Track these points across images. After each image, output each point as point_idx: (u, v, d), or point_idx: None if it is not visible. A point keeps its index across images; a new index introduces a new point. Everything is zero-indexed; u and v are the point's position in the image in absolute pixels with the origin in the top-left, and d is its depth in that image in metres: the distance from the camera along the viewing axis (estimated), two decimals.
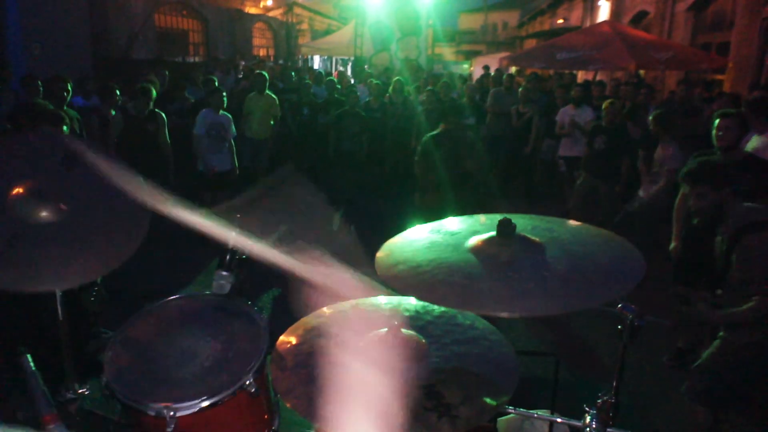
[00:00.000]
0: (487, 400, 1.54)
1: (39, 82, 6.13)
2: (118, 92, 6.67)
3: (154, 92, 6.33)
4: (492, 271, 1.52)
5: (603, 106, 6.57)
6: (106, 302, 4.43)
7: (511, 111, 8.61)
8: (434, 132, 5.22)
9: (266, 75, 8.21)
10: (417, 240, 1.72)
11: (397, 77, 9.92)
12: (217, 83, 8.23)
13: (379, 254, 1.67)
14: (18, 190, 1.77)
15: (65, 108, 5.75)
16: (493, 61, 19.35)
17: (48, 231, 1.74)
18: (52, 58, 10.36)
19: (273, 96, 8.05)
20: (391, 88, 9.25)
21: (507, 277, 1.50)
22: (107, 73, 10.70)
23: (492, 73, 12.05)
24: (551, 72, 13.74)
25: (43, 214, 1.77)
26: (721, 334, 2.94)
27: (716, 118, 4.04)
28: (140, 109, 6.22)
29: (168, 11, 16.08)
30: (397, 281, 1.57)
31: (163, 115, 6.42)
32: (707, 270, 3.32)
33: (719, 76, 11.28)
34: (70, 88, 5.75)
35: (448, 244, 1.65)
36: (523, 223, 1.67)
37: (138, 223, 1.86)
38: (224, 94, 6.66)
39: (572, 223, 1.75)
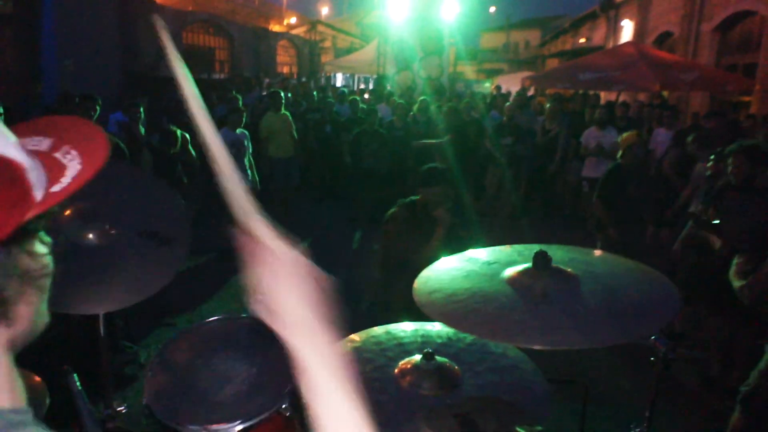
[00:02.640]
0: (521, 429, 1.55)
1: (77, 99, 6.34)
2: (142, 110, 6.83)
3: (180, 134, 6.35)
4: (526, 302, 1.55)
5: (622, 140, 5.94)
6: (128, 316, 4.52)
7: (536, 128, 8.61)
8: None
9: (282, 93, 8.23)
10: (455, 268, 1.75)
11: (423, 96, 9.99)
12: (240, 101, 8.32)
13: (417, 281, 1.71)
14: (70, 210, 1.83)
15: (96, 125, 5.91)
16: (515, 80, 19.40)
17: (95, 253, 1.80)
18: (84, 73, 10.65)
19: (287, 114, 8.06)
20: (416, 107, 9.31)
21: (540, 310, 1.52)
22: (136, 90, 10.96)
23: (504, 93, 12.10)
24: (571, 92, 13.73)
25: (91, 236, 1.83)
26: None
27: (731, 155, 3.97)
28: (168, 144, 6.28)
29: (195, 29, 16.45)
30: (432, 308, 1.60)
31: (188, 135, 6.47)
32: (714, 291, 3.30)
33: (746, 98, 11.16)
34: (98, 107, 5.91)
35: (485, 273, 1.67)
36: (560, 254, 1.69)
37: (177, 252, 1.90)
38: (244, 113, 6.74)
39: (608, 255, 1.77)
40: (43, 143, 0.60)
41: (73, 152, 0.60)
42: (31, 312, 0.63)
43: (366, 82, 23.98)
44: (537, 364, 1.79)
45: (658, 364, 1.64)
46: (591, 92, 13.56)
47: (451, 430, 1.52)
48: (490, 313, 1.52)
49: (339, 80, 25.29)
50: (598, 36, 21.50)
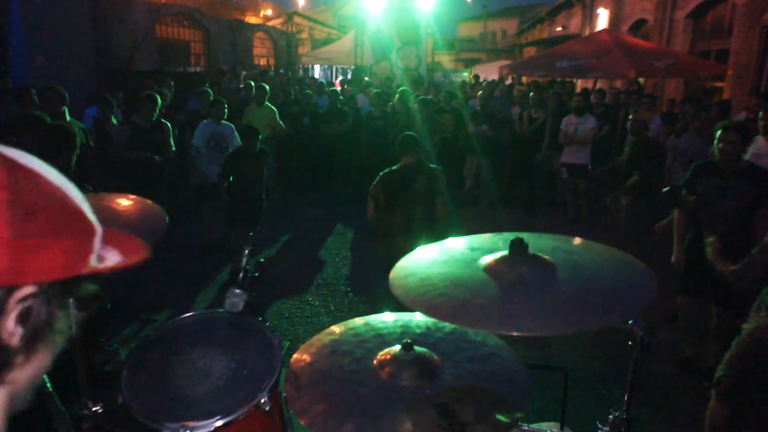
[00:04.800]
0: (501, 417, 1.56)
1: (33, 92, 6.24)
2: (114, 104, 6.74)
3: (159, 100, 6.34)
4: (501, 288, 1.54)
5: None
6: (107, 314, 4.45)
7: (523, 116, 8.57)
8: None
9: (266, 87, 8.24)
10: (434, 256, 1.75)
11: (402, 87, 9.97)
12: (220, 90, 8.23)
13: (398, 264, 1.71)
14: None
15: (71, 119, 5.80)
16: (493, 69, 19.43)
17: None
18: (55, 70, 10.42)
19: (272, 107, 8.08)
20: (396, 98, 9.29)
21: (516, 296, 1.51)
22: (110, 85, 10.76)
23: (482, 82, 12.13)
24: (548, 80, 13.80)
25: None
26: (744, 326, 2.89)
27: (719, 129, 4.04)
28: (147, 117, 6.21)
29: (169, 22, 16.14)
30: (403, 290, 1.59)
31: (169, 124, 6.43)
32: (712, 279, 3.33)
33: (718, 84, 11.32)
34: (66, 100, 5.82)
35: (463, 260, 1.67)
36: (539, 242, 1.69)
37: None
38: (225, 104, 6.67)
39: (588, 243, 1.77)
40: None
41: (116, 250, 0.70)
42: (41, 362, 0.66)
43: (344, 74, 23.86)
44: (517, 351, 1.80)
45: (636, 347, 1.65)
46: (568, 80, 13.66)
47: (431, 420, 1.51)
48: (462, 299, 1.51)
49: (317, 72, 25.12)
50: (575, 24, 21.63)
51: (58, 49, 10.88)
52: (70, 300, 0.68)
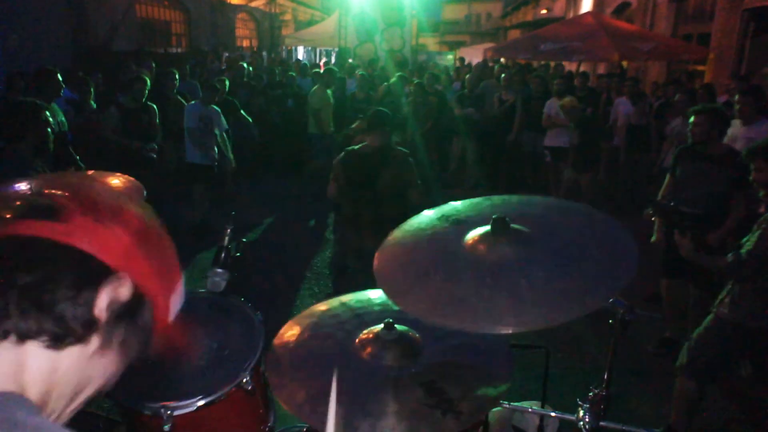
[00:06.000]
0: (487, 390, 1.55)
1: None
2: (92, 85, 6.62)
3: (149, 82, 6.24)
4: (483, 277, 1.49)
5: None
6: None
7: (494, 99, 8.61)
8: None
9: (336, 70, 8.39)
10: (423, 229, 1.73)
11: (393, 80, 9.73)
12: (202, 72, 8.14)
13: (392, 234, 1.70)
14: None
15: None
16: (478, 52, 19.37)
17: None
18: (30, 50, 10.16)
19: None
20: (385, 90, 9.22)
21: (499, 287, 1.44)
22: (88, 66, 10.53)
23: (467, 65, 12.08)
24: (541, 62, 13.80)
25: None
26: (713, 309, 3.07)
27: (691, 114, 4.10)
28: (137, 99, 6.09)
29: (149, 2, 15.82)
30: (384, 284, 1.57)
31: (154, 106, 6.33)
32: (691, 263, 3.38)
33: (700, 67, 11.39)
34: (60, 79, 5.64)
35: (446, 238, 1.65)
36: (517, 206, 1.68)
37: None
38: (218, 89, 6.68)
39: (563, 202, 1.76)
40: None
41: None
42: (112, 363, 0.73)
43: (328, 56, 23.62)
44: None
45: (616, 325, 1.66)
46: (554, 63, 13.65)
47: (419, 399, 1.49)
48: (443, 296, 1.47)
49: (300, 53, 24.82)
50: (559, 7, 21.59)
51: (32, 28, 10.60)
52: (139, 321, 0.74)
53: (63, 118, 5.55)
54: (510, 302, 1.39)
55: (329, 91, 8.07)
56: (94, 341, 0.68)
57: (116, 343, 0.70)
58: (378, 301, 1.91)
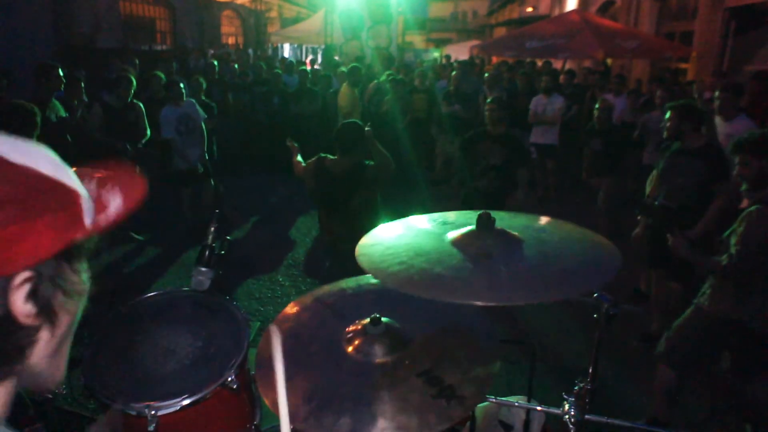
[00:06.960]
0: (482, 370, 1.52)
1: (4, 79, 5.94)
2: (83, 84, 6.51)
3: (134, 81, 6.14)
4: (467, 260, 1.52)
5: (597, 107, 6.36)
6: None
7: (479, 98, 8.64)
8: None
9: (360, 68, 8.25)
10: (403, 229, 1.74)
11: (380, 80, 9.66)
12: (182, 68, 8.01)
13: (374, 231, 1.69)
14: None
15: (54, 101, 5.52)
16: (464, 49, 19.41)
17: None
18: (11, 45, 10.01)
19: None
20: (372, 91, 9.18)
21: (482, 268, 1.49)
22: (71, 63, 10.39)
23: (453, 62, 12.11)
24: (527, 60, 13.86)
25: None
26: (695, 301, 3.15)
27: (667, 110, 4.21)
28: (123, 98, 5.98)
29: None
30: (366, 260, 1.57)
31: (141, 104, 6.22)
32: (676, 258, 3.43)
33: (683, 65, 11.51)
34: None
35: (432, 233, 1.66)
36: (507, 220, 1.70)
37: None
38: (182, 84, 6.34)
39: (556, 222, 1.78)
40: (92, 182, 0.71)
41: (115, 189, 0.72)
42: (67, 324, 0.70)
43: (314, 53, 23.54)
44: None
45: (601, 320, 1.67)
46: (542, 60, 13.71)
47: (420, 390, 1.44)
48: (424, 269, 1.48)
49: (286, 51, 24.71)
50: (544, 4, 21.69)
51: (14, 24, 10.45)
52: (82, 260, 0.70)
53: (63, 113, 5.50)
54: (488, 281, 1.42)
55: (356, 90, 7.95)
56: (44, 334, 0.66)
57: (59, 305, 0.67)
58: (349, 292, 1.86)
